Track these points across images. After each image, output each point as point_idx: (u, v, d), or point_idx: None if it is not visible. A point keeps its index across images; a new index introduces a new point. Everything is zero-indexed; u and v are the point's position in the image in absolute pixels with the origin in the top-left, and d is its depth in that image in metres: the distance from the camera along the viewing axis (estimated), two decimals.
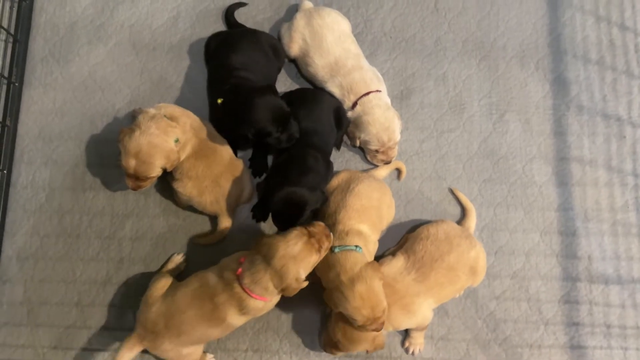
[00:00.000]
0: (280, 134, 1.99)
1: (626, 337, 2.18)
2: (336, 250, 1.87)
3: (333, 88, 2.23)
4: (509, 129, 2.34)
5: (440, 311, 2.16)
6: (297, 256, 1.77)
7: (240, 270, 1.81)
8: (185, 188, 2.07)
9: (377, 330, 1.84)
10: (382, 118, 2.15)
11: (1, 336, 2.14)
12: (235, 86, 2.06)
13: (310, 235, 1.80)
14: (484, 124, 2.35)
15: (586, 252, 2.24)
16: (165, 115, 2.00)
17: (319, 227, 1.84)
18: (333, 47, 2.22)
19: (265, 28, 2.40)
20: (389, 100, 2.25)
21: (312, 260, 1.80)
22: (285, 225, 1.92)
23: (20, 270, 2.19)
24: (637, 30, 2.47)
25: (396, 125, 2.18)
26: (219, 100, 2.05)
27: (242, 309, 1.83)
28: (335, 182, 2.09)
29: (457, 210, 2.26)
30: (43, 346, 2.13)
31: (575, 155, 2.33)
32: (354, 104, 2.19)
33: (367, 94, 2.18)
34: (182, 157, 2.03)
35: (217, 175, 2.06)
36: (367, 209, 2.00)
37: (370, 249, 1.98)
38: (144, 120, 1.95)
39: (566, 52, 2.43)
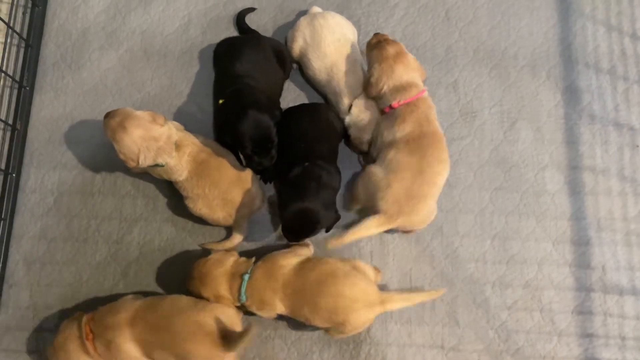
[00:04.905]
0: (253, 155, 1.98)
1: None
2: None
3: (330, 95, 2.22)
4: (521, 137, 2.33)
5: (451, 321, 2.13)
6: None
7: None
8: (196, 206, 2.06)
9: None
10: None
11: (6, 341, 2.11)
12: (239, 91, 2.05)
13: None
14: (495, 132, 2.33)
15: (600, 262, 2.21)
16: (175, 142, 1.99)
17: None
18: (331, 50, 2.18)
19: (275, 34, 2.41)
20: None
21: None
22: (295, 239, 1.97)
23: (26, 275, 2.17)
24: None
25: None
26: (220, 101, 2.04)
27: None
28: None
29: (468, 218, 2.24)
30: None
31: (587, 164, 2.31)
32: (349, 107, 2.16)
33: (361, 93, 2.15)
34: (178, 178, 2.02)
35: (225, 192, 2.04)
36: None
37: None
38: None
39: (577, 61, 2.42)
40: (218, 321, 1.84)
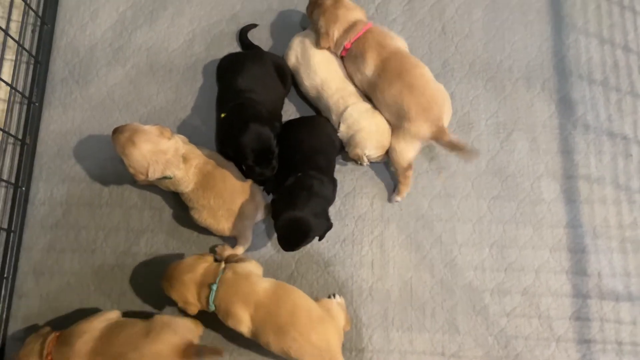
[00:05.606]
0: (255, 166, 2.05)
1: (638, 354, 2.18)
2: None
3: (322, 112, 2.28)
4: (517, 147, 2.39)
5: (451, 328, 2.18)
6: None
7: None
8: (201, 217, 2.11)
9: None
10: (372, 126, 2.16)
11: (15, 351, 2.15)
12: (240, 105, 2.12)
13: None
14: (491, 142, 2.39)
15: (596, 269, 2.26)
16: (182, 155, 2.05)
17: None
18: (320, 68, 2.23)
19: (277, 50, 2.47)
20: (368, 105, 2.23)
21: None
22: (289, 248, 1.98)
23: (36, 285, 2.22)
24: None
25: (387, 124, 2.20)
26: (222, 115, 2.11)
27: None
28: None
29: (466, 227, 2.29)
30: None
31: (582, 173, 2.36)
32: (338, 125, 2.20)
33: (345, 109, 2.19)
34: (184, 190, 2.09)
35: (230, 203, 2.09)
36: None
37: None
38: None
39: (571, 73, 2.49)
40: (173, 345, 1.84)
